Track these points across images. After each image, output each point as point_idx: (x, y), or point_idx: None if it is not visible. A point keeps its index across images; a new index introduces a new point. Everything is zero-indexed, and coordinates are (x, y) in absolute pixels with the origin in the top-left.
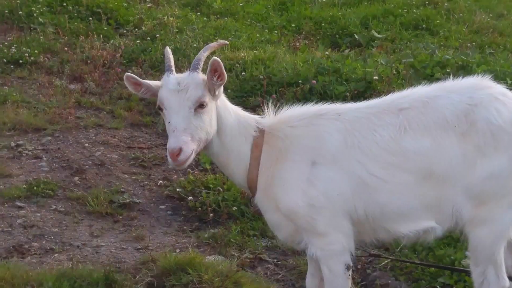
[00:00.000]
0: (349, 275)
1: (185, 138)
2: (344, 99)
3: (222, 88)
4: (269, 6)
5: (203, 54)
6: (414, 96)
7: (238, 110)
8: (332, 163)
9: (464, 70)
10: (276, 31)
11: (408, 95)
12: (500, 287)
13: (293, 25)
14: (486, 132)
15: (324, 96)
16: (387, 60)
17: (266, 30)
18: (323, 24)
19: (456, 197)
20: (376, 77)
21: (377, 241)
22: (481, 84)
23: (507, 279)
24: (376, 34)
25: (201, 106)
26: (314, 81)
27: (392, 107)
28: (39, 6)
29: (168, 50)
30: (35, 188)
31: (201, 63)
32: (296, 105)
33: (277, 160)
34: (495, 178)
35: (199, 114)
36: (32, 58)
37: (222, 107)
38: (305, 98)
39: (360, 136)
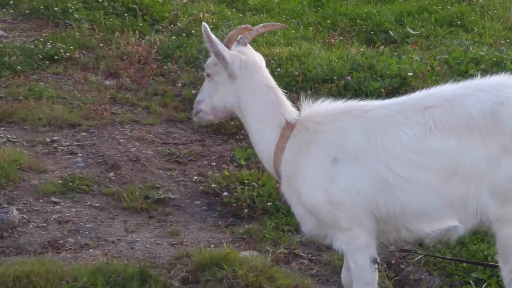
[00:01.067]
0: (376, 268)
1: (199, 97)
2: (379, 95)
3: (236, 67)
4: (305, 2)
5: (239, 29)
6: (441, 94)
7: (273, 98)
8: (354, 161)
9: (498, 66)
10: (311, 28)
11: (435, 93)
12: None
13: (328, 21)
14: None
15: (359, 92)
16: (421, 57)
17: (302, 26)
18: (358, 21)
19: (481, 197)
20: (410, 74)
21: (401, 240)
22: (508, 83)
23: None
24: (410, 31)
25: (207, 75)
26: (349, 77)
27: (419, 105)
28: (74, 2)
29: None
30: (70, 183)
31: (231, 38)
32: (330, 100)
33: (300, 154)
34: None
35: (207, 83)
36: (67, 54)
37: (246, 89)
38: (340, 94)
39: (385, 134)
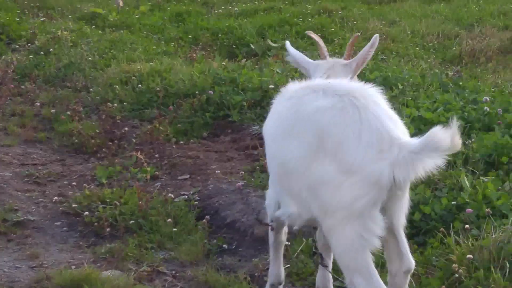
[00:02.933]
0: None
1: None
2: (241, 109)
3: None
4: (166, 18)
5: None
6: None
7: None
8: None
9: (358, 76)
10: (172, 43)
11: None
12: None
13: (190, 36)
14: None
15: (221, 106)
16: (283, 69)
17: (163, 42)
18: (220, 35)
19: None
20: (272, 86)
21: None
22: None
23: None
24: (271, 44)
25: None
26: (211, 92)
27: None
28: None
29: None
30: None
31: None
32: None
33: None
34: None
35: None
36: None
37: None
38: (202, 108)
39: None
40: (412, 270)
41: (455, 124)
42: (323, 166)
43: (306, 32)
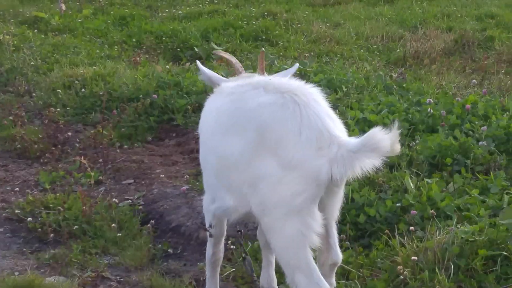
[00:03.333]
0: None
1: None
2: (186, 112)
3: None
4: (109, 21)
5: None
6: None
7: None
8: None
9: (302, 78)
10: (116, 47)
11: None
12: None
13: (134, 40)
14: None
15: (165, 109)
16: (227, 72)
17: (106, 45)
18: (164, 38)
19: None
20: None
21: None
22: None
23: None
24: (215, 47)
25: None
26: (155, 95)
27: None
28: None
29: None
30: None
31: None
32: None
33: None
34: None
35: None
36: None
37: None
38: (146, 112)
39: None
40: (339, 264)
41: (396, 128)
42: (263, 162)
43: (213, 52)
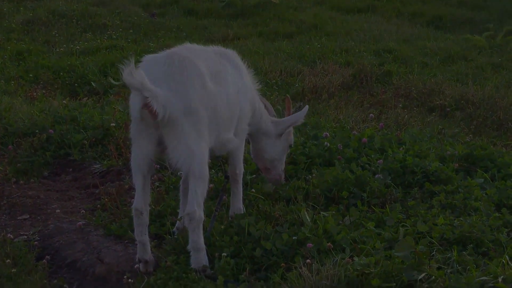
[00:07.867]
0: None
1: None
2: (82, 147)
3: None
4: (5, 56)
5: None
6: None
7: None
8: None
9: None
10: (13, 82)
11: None
12: None
13: (31, 75)
14: None
15: (62, 144)
16: (124, 106)
17: (2, 81)
18: (61, 73)
19: None
20: (113, 124)
21: None
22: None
23: None
24: (113, 81)
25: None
26: (51, 130)
27: None
28: None
29: None
30: None
31: None
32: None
33: None
34: None
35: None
36: None
37: None
38: (42, 147)
39: None
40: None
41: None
42: None
43: None
